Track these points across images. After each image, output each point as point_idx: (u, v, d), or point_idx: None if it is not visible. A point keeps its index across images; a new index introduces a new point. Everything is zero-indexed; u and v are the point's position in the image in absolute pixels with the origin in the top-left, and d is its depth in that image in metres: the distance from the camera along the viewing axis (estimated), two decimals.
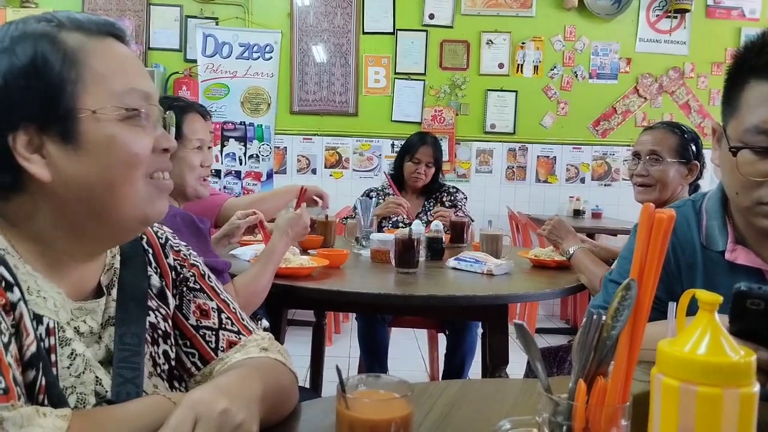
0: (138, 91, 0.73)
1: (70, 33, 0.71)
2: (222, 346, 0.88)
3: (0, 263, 0.66)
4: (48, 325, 0.70)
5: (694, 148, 1.94)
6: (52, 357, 0.70)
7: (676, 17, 4.78)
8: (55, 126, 0.69)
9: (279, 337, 1.92)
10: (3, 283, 0.65)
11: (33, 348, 0.67)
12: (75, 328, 0.74)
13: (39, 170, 0.68)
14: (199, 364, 0.88)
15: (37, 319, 0.69)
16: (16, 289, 0.67)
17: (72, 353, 0.72)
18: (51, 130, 0.69)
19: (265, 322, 1.61)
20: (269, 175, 4.58)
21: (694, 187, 2.00)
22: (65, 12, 0.73)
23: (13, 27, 0.70)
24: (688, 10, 4.72)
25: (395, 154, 4.59)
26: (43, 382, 0.67)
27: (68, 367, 0.72)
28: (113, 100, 0.71)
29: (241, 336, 0.90)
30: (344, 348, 3.83)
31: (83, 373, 0.73)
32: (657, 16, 4.80)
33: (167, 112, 0.80)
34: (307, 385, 2.73)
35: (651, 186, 1.93)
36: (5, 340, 0.63)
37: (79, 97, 0.69)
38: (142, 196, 0.74)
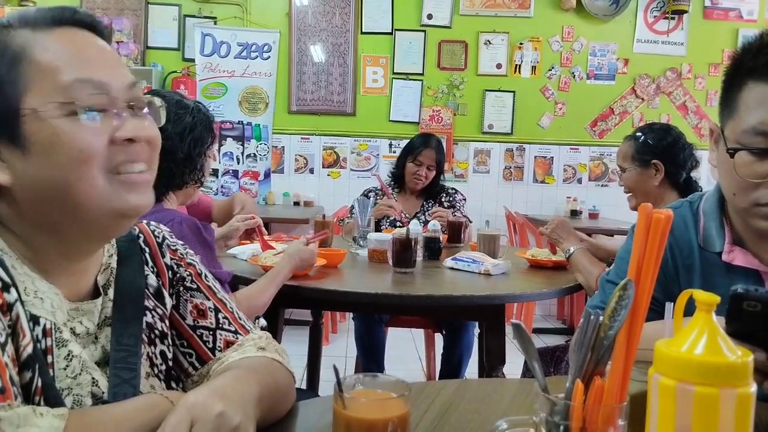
0: (88, 82, 0.68)
1: (18, 31, 0.68)
2: (219, 346, 0.88)
3: None
4: (44, 326, 0.70)
5: (653, 148, 2.01)
6: (49, 358, 0.70)
7: (673, 18, 4.79)
8: (1, 130, 0.67)
9: (276, 336, 1.92)
10: (0, 284, 0.65)
11: (29, 349, 0.66)
12: (71, 329, 0.74)
13: None
14: (197, 364, 0.88)
15: (34, 320, 0.69)
16: (12, 289, 0.66)
17: (69, 354, 0.72)
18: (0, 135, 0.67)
19: (262, 321, 1.61)
20: (267, 175, 4.58)
21: (685, 181, 2.01)
22: (26, 9, 0.71)
23: None
24: (685, 11, 4.73)
25: (393, 154, 4.62)
26: (40, 384, 0.67)
27: (65, 369, 0.71)
28: (58, 95, 0.67)
29: (238, 335, 0.90)
30: (341, 348, 3.82)
31: (80, 374, 0.73)
32: (655, 17, 4.81)
33: (153, 99, 0.77)
34: (304, 385, 2.72)
35: (630, 193, 2.09)
36: (2, 340, 0.63)
37: (21, 97, 0.66)
38: (104, 192, 0.69)
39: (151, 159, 0.75)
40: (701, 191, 2.05)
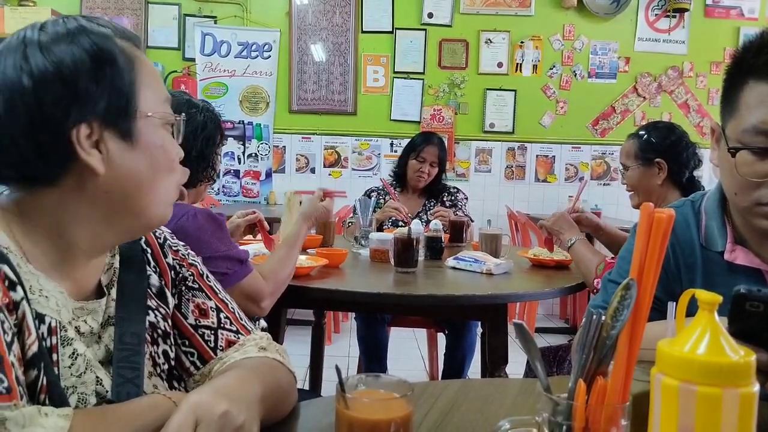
0: (169, 100, 0.79)
1: (122, 40, 0.74)
2: (221, 346, 0.88)
3: (3, 262, 0.66)
4: (50, 324, 0.70)
5: (656, 146, 2.01)
6: (54, 356, 0.70)
7: (674, 16, 4.79)
8: (119, 122, 0.72)
9: (278, 336, 1.92)
10: (6, 282, 0.65)
11: (35, 347, 0.67)
12: (76, 327, 0.74)
13: (97, 164, 0.70)
14: (198, 363, 0.88)
15: (39, 318, 0.69)
16: (19, 287, 0.67)
17: (73, 353, 0.72)
18: (113, 126, 0.71)
19: (263, 323, 1.62)
20: (268, 174, 4.58)
21: (688, 180, 2.01)
22: (102, 19, 0.75)
23: (67, 23, 0.72)
24: (686, 10, 4.72)
25: (394, 154, 4.62)
26: (45, 382, 0.67)
27: (70, 367, 0.72)
28: (161, 106, 0.76)
29: (239, 335, 0.90)
30: (343, 347, 3.83)
31: (84, 373, 0.73)
32: (656, 15, 4.80)
33: (182, 116, 0.82)
34: (307, 385, 2.73)
35: (633, 192, 2.08)
36: (8, 339, 0.63)
37: (138, 98, 0.73)
38: (169, 198, 0.78)
39: None
40: (704, 190, 2.05)
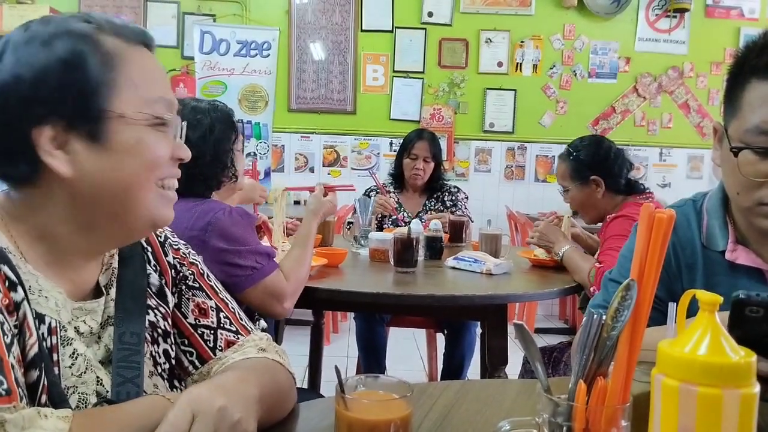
0: (165, 100, 0.76)
1: (109, 37, 0.72)
2: (220, 346, 0.88)
3: (4, 262, 0.66)
4: (50, 324, 0.70)
5: (588, 164, 2.05)
6: (54, 356, 0.70)
7: (675, 17, 4.78)
8: (85, 124, 0.70)
9: (277, 336, 1.92)
10: (6, 283, 0.65)
11: (35, 348, 0.67)
12: (75, 328, 0.74)
13: (60, 166, 0.69)
14: (197, 363, 0.88)
15: (39, 318, 0.69)
16: (19, 288, 0.67)
17: (74, 353, 0.72)
18: (79, 128, 0.70)
19: (263, 323, 1.62)
20: (267, 173, 4.58)
21: (626, 185, 2.04)
22: (102, 15, 0.75)
23: (53, 23, 0.71)
24: (687, 10, 4.72)
25: (393, 153, 4.61)
26: (46, 382, 0.67)
27: (70, 367, 0.72)
28: (146, 106, 0.73)
29: (239, 336, 0.90)
30: (342, 347, 3.82)
31: (84, 372, 0.73)
32: (656, 15, 4.80)
33: (183, 123, 0.81)
34: (306, 385, 2.73)
35: (581, 210, 2.13)
36: (8, 340, 0.63)
37: (111, 99, 0.71)
38: (151, 201, 0.75)
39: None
40: (644, 188, 2.10)
